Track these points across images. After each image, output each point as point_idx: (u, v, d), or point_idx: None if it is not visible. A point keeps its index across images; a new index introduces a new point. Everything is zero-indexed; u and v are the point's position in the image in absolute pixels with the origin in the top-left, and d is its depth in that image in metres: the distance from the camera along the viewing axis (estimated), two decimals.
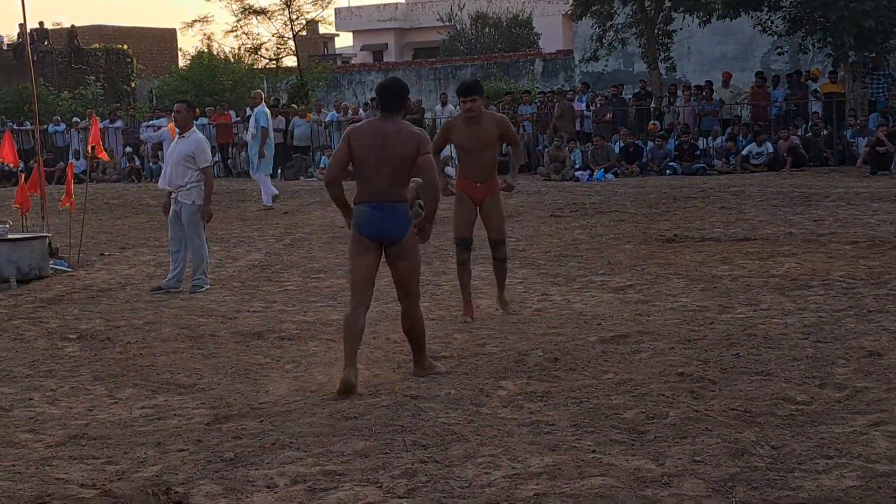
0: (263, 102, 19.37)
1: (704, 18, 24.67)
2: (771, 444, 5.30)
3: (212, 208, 11.20)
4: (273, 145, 19.20)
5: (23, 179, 13.98)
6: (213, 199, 11.25)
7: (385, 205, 6.85)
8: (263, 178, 18.89)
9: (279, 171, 26.09)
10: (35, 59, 16.49)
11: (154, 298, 10.57)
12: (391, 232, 6.87)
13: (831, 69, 24.01)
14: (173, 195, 11.03)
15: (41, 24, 38.84)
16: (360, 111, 27.90)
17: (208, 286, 10.98)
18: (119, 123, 29.63)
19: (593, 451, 5.30)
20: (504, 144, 9.58)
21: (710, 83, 24.74)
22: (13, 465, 5.42)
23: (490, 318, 8.84)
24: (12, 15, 73.89)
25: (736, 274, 10.37)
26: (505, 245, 9.07)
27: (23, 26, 35.11)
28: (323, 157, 26.25)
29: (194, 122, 11.64)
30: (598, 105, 25.05)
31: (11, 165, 17.12)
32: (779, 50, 26.17)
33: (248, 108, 18.70)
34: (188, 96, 30.64)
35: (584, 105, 25.27)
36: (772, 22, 24.19)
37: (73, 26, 40.13)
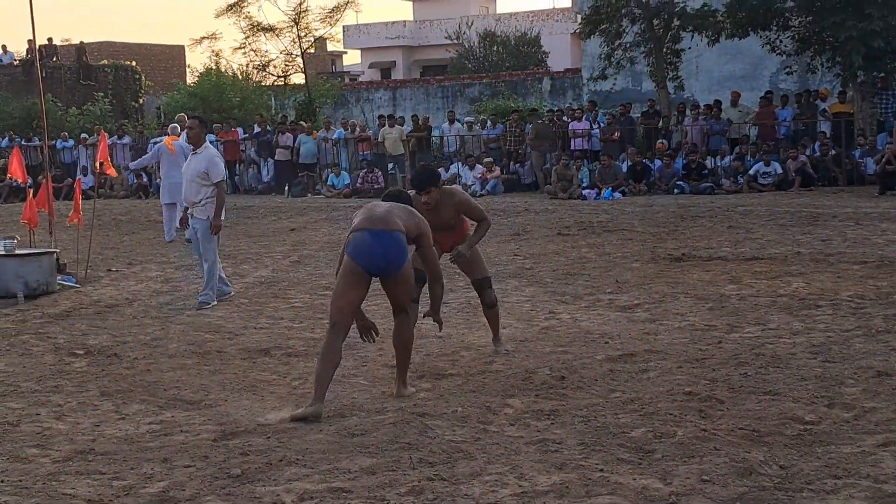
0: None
1: (713, 38, 24.69)
2: (779, 464, 5.29)
3: (221, 223, 11.23)
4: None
5: (31, 195, 14.01)
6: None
7: (385, 233, 6.71)
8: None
9: (286, 188, 26.17)
10: (44, 75, 16.56)
11: (161, 315, 10.57)
12: (391, 262, 6.75)
13: (840, 89, 24.00)
14: (189, 211, 11.13)
15: (50, 40, 39.01)
16: (368, 129, 27.98)
17: (215, 303, 10.99)
18: (126, 140, 29.70)
19: (601, 470, 5.29)
20: None
21: (718, 102, 24.75)
22: (20, 481, 5.42)
23: None
24: (21, 31, 74.48)
25: (744, 293, 10.35)
26: (491, 287, 8.40)
27: (31, 42, 35.35)
28: (330, 175, 26.31)
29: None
30: (606, 123, 25.07)
31: (20, 181, 17.15)
32: (787, 69, 26.19)
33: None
34: (196, 113, 30.80)
35: (589, 124, 25.30)
36: (780, 41, 24.19)
37: (81, 43, 40.29)
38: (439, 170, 24.66)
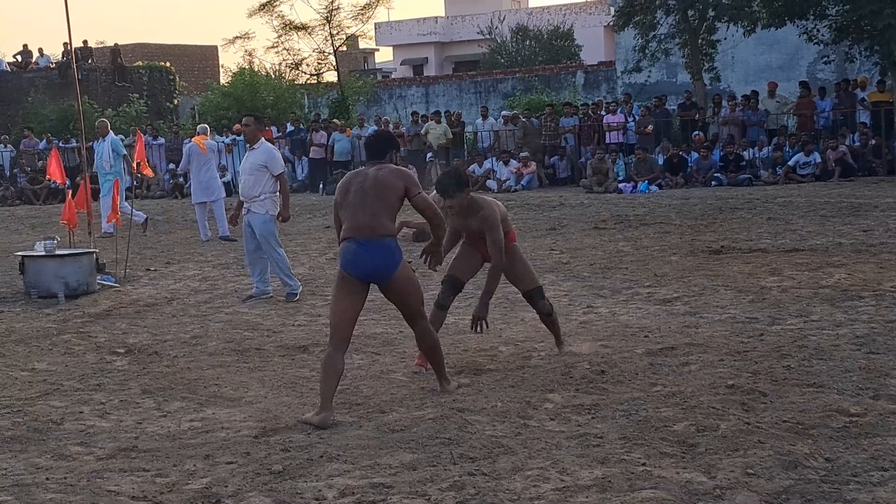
0: (111, 132, 18.79)
1: (749, 28, 24.52)
2: (824, 457, 5.23)
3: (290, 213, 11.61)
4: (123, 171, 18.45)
5: (70, 196, 14.10)
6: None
7: (372, 242, 6.59)
8: (123, 206, 17.51)
9: (321, 185, 26.21)
10: (80, 77, 16.59)
11: (199, 313, 10.61)
12: (381, 270, 6.65)
13: (879, 78, 23.77)
14: (246, 205, 11.22)
15: (85, 42, 39.27)
16: (402, 126, 27.98)
17: (301, 288, 11.25)
18: (161, 140, 29.82)
19: (643, 464, 5.25)
20: None
21: (756, 93, 24.56)
22: (65, 478, 5.45)
23: (535, 330, 8.78)
24: (57, 34, 75.30)
25: (785, 285, 10.27)
26: (544, 297, 8.00)
27: (67, 45, 35.57)
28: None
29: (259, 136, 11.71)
30: (640, 116, 24.96)
31: (59, 183, 17.27)
32: (825, 59, 25.97)
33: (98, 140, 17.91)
34: (230, 112, 30.90)
35: (624, 117, 25.18)
36: (818, 31, 23.98)
37: (116, 44, 40.55)
38: (473, 165, 24.91)
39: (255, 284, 11.41)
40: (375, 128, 27.85)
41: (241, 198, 11.40)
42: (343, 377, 7.50)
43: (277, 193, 11.27)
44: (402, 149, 26.92)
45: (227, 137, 28.04)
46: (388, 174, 6.74)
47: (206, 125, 18.80)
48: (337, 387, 6.62)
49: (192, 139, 18.45)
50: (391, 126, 27.93)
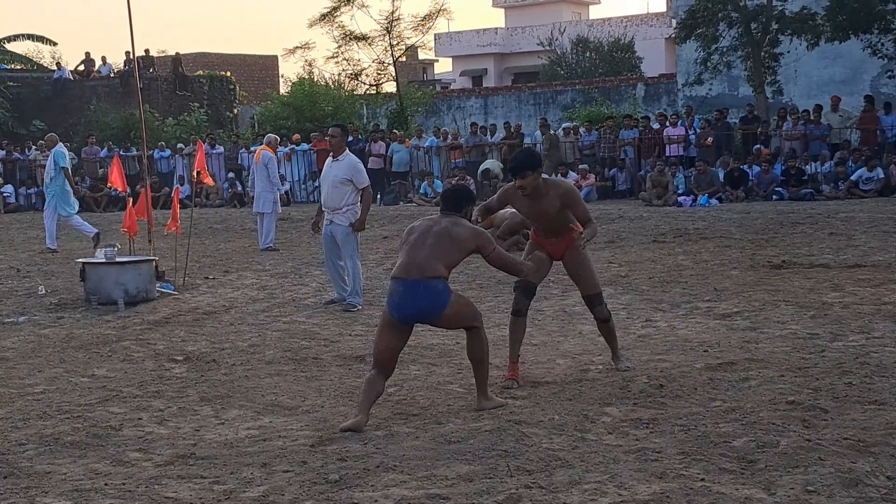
0: (59, 143, 18.41)
1: (812, 41, 24.27)
2: (886, 475, 5.14)
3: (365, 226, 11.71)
4: (65, 185, 17.79)
5: (130, 204, 14.26)
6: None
7: (419, 283, 6.58)
8: (72, 218, 17.86)
9: (379, 196, 26.32)
10: (141, 86, 16.79)
11: (257, 322, 10.68)
12: (427, 311, 6.66)
13: None
14: (328, 217, 11.38)
15: (147, 51, 39.75)
16: (461, 137, 28.00)
17: (360, 307, 11.21)
18: (220, 149, 30.07)
19: (702, 480, 5.20)
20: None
21: (819, 107, 24.30)
22: (124, 484, 5.50)
23: (593, 343, 8.73)
24: (119, 44, 76.11)
25: (847, 301, 10.13)
26: (603, 303, 7.91)
27: (129, 54, 36.04)
28: (423, 184, 26.36)
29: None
30: (700, 129, 24.78)
31: (120, 190, 17.48)
32: (889, 73, 25.64)
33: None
34: (289, 122, 31.12)
35: (685, 130, 25.01)
36: (882, 44, 23.68)
37: (177, 54, 41.01)
38: None
39: (336, 289, 11.62)
40: (434, 139, 28.03)
41: (324, 208, 11.50)
42: (400, 387, 7.55)
43: (359, 203, 11.35)
44: (461, 160, 26.99)
45: (286, 147, 28.21)
46: (463, 230, 6.77)
47: (273, 135, 18.90)
48: (375, 402, 6.67)
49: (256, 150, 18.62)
50: (450, 137, 27.97)
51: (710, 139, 24.27)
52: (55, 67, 40.62)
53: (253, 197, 18.58)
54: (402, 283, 6.65)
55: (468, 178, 25.51)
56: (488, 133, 27.69)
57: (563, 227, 7.75)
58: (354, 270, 11.36)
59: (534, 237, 8.01)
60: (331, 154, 11.67)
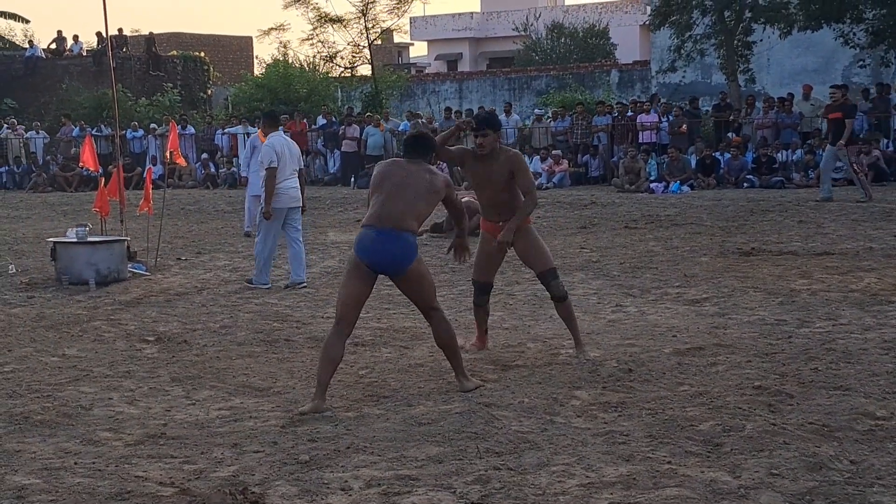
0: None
1: (785, 30, 24.40)
2: (850, 459, 5.22)
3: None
4: None
5: (102, 184, 14.21)
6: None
7: (392, 232, 6.58)
8: None
9: (353, 179, 26.29)
10: (114, 65, 16.65)
11: (229, 303, 10.68)
12: (397, 261, 6.65)
13: None
14: None
15: (120, 30, 39.41)
16: (435, 121, 27.97)
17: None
18: (191, 130, 29.88)
19: (668, 462, 5.26)
20: None
21: (791, 95, 24.43)
22: (93, 463, 5.51)
23: (563, 327, 8.77)
24: (91, 22, 75.53)
25: (815, 288, 10.23)
26: (557, 278, 7.87)
27: (100, 34, 35.73)
28: None
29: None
30: (673, 116, 24.87)
31: (92, 170, 17.41)
32: (861, 63, 25.81)
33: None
34: (263, 104, 31.03)
35: (658, 116, 25.10)
36: (854, 34, 23.82)
37: (151, 33, 40.70)
38: None
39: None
40: (408, 123, 27.97)
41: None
42: (371, 370, 7.58)
43: None
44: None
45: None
46: (437, 179, 6.78)
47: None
48: (333, 374, 6.67)
49: (257, 132, 18.47)
50: (423, 120, 27.94)
51: (683, 126, 24.36)
52: (27, 45, 40.27)
53: (242, 178, 18.31)
54: (375, 230, 6.64)
55: (440, 162, 25.52)
56: (463, 117, 27.64)
57: (508, 205, 7.73)
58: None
59: (483, 225, 8.02)
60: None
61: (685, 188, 21.92)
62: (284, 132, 27.49)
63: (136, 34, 44.38)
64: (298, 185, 11.72)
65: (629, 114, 25.49)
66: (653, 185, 22.23)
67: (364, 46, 33.13)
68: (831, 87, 20.03)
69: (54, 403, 6.79)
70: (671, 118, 24.84)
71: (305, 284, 11.59)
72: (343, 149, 27.71)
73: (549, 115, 26.85)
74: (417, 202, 6.70)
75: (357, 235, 6.82)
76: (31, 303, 10.76)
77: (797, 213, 16.63)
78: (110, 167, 19.46)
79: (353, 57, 33.66)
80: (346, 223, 18.00)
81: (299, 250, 11.70)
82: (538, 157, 24.78)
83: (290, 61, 34.41)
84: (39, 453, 5.71)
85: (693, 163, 23.08)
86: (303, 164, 12.41)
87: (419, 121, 27.34)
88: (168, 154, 14.45)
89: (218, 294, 11.26)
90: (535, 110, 28.29)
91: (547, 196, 20.83)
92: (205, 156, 28.85)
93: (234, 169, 26.53)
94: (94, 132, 28.65)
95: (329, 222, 18.25)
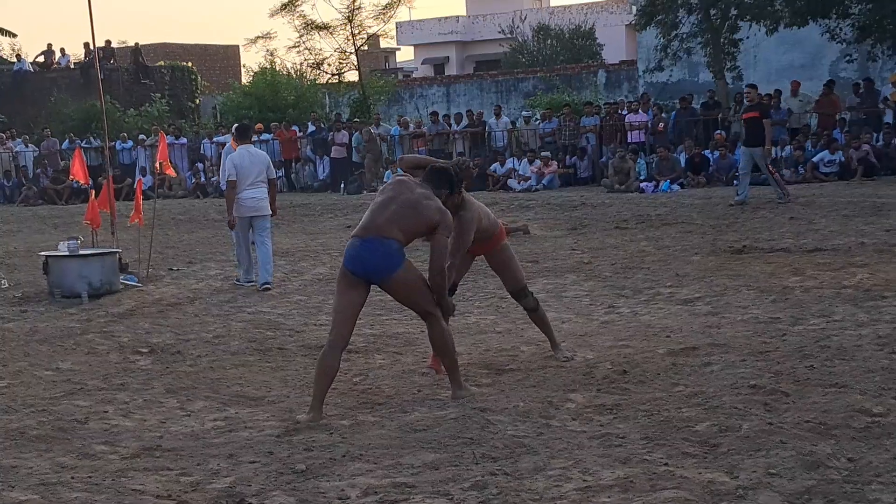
0: None
1: (771, 27, 24.41)
2: (847, 457, 5.22)
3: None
4: None
5: (93, 196, 14.17)
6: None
7: (375, 240, 6.61)
8: None
9: (342, 185, 26.25)
10: (102, 77, 16.60)
11: (222, 312, 10.67)
12: (379, 268, 6.63)
13: None
14: None
15: (107, 42, 39.32)
16: (423, 125, 27.96)
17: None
18: (183, 140, 29.90)
19: (665, 464, 5.26)
20: None
21: (779, 91, 24.46)
22: (90, 477, 5.49)
23: (556, 330, 8.77)
24: (78, 34, 75.50)
25: (807, 285, 10.23)
26: (528, 295, 7.97)
27: (88, 45, 35.63)
28: (387, 172, 26.33)
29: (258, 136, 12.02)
30: (654, 115, 24.87)
31: (82, 182, 17.36)
32: (848, 58, 25.83)
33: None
34: (251, 112, 30.97)
35: (645, 117, 25.11)
36: (840, 30, 23.85)
37: (137, 44, 40.61)
38: (495, 164, 24.89)
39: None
40: (398, 128, 27.97)
41: None
42: (365, 377, 7.57)
43: None
44: (423, 149, 26.98)
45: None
46: (433, 208, 6.73)
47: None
48: (329, 387, 6.67)
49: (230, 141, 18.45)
50: (412, 126, 27.94)
51: (661, 125, 24.39)
52: (15, 59, 40.18)
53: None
54: (359, 240, 6.69)
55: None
56: (452, 121, 27.64)
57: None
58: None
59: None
60: None
61: (675, 187, 21.92)
62: (273, 139, 27.72)
63: (123, 45, 44.27)
64: (262, 195, 12.19)
65: (623, 112, 25.47)
66: (643, 185, 22.23)
67: (351, 53, 33.06)
68: (746, 85, 20.10)
69: (49, 418, 6.76)
70: (650, 115, 24.86)
71: (269, 287, 11.96)
72: (332, 155, 27.68)
73: (538, 116, 26.84)
74: (404, 214, 6.69)
75: (346, 246, 6.84)
76: (24, 317, 10.73)
77: (787, 209, 16.64)
78: (100, 179, 19.41)
79: (340, 63, 33.59)
80: (336, 229, 17.98)
81: (265, 254, 12.15)
82: (526, 159, 24.77)
83: (278, 69, 34.35)
84: (36, 468, 5.69)
85: (682, 161, 23.09)
86: (274, 173, 12.69)
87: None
88: (158, 164, 14.42)
89: (210, 303, 11.24)
90: (523, 112, 28.26)
91: (537, 198, 20.85)
92: (199, 165, 28.84)
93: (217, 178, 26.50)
94: (83, 144, 28.57)
95: (319, 228, 18.22)
